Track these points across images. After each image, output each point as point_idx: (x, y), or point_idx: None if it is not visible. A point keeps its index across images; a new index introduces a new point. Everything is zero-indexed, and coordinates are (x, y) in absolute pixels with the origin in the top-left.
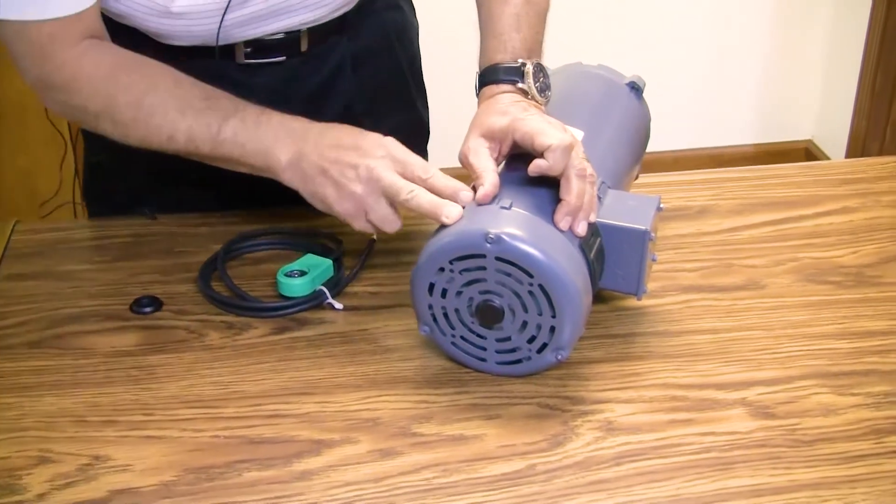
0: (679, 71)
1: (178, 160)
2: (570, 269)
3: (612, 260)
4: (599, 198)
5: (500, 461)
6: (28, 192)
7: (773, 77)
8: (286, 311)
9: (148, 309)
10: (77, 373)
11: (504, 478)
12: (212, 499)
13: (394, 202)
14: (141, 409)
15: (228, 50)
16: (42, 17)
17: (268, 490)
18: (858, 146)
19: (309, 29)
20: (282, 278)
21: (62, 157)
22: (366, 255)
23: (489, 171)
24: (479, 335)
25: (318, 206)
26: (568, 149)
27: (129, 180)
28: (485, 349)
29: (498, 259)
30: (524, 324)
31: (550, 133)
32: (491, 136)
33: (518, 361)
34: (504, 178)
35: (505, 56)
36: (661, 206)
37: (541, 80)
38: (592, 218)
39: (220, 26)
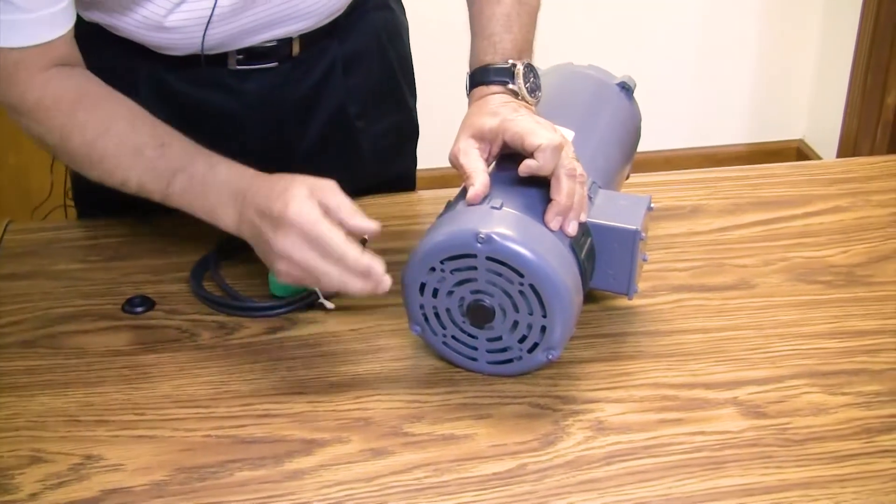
0: (670, 71)
1: None
2: (560, 269)
3: (603, 260)
4: (590, 197)
5: (491, 461)
6: (20, 191)
7: (764, 77)
8: (278, 311)
9: (140, 309)
10: (69, 372)
11: (495, 477)
12: (203, 498)
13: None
14: (133, 409)
15: (221, 57)
16: (8, 45)
17: (259, 489)
18: (849, 145)
19: (301, 35)
20: (273, 278)
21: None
22: None
23: (479, 172)
24: (470, 335)
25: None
26: (558, 149)
27: None
28: (476, 349)
29: (489, 259)
30: (515, 323)
31: (540, 133)
32: (481, 137)
33: (509, 361)
34: (495, 178)
35: (495, 57)
36: (652, 205)
37: (531, 80)
38: (583, 218)
39: (203, 38)
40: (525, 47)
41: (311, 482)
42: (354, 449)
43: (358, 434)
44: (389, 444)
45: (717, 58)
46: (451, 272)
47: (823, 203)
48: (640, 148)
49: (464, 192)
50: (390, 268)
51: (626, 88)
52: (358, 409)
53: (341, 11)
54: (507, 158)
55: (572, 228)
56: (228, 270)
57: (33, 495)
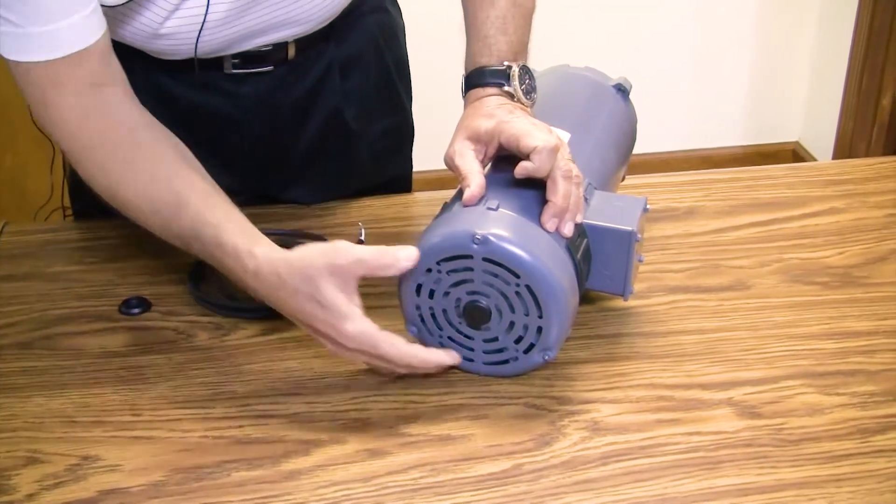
0: (666, 73)
1: None
2: (556, 270)
3: (599, 261)
4: (586, 199)
5: (488, 461)
6: (17, 193)
7: (760, 79)
8: (275, 313)
9: (136, 310)
10: (66, 374)
11: (491, 477)
12: (200, 499)
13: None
14: (130, 410)
15: (216, 61)
16: (42, 59)
17: (256, 490)
18: (845, 148)
19: (296, 39)
20: None
21: (52, 157)
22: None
23: (475, 173)
24: (466, 336)
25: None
26: (553, 150)
27: None
28: (472, 349)
29: (485, 260)
30: (511, 324)
31: (536, 135)
32: (477, 139)
33: (505, 362)
34: (491, 179)
35: (491, 59)
36: (648, 206)
37: (527, 82)
38: (579, 219)
39: (196, 44)
40: (520, 49)
41: (308, 482)
42: (351, 449)
43: (355, 435)
44: (386, 444)
45: (713, 60)
46: (448, 273)
47: (819, 204)
48: (635, 150)
49: (460, 193)
50: None
51: (622, 90)
52: (355, 409)
53: (336, 15)
54: (503, 160)
55: (568, 229)
56: None
57: (30, 496)
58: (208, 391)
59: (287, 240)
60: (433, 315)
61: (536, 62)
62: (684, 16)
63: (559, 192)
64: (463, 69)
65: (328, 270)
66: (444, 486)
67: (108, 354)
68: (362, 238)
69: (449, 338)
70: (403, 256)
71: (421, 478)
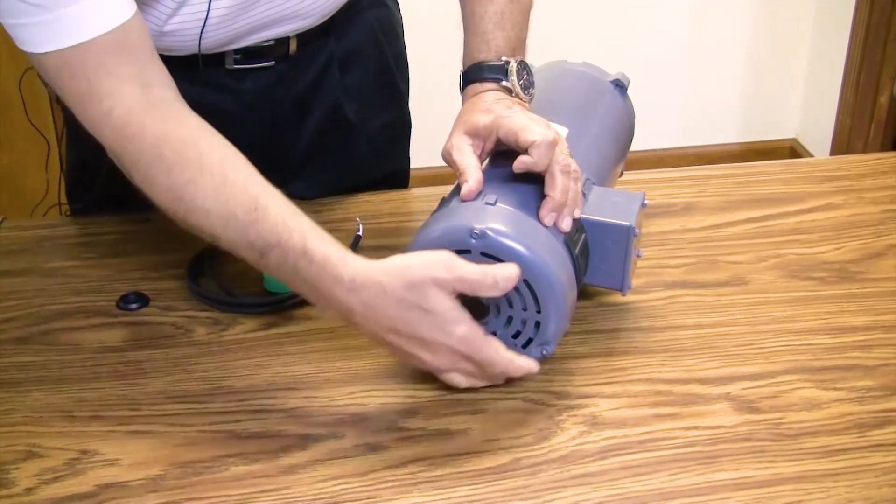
0: (664, 69)
1: None
2: (554, 265)
3: (597, 256)
4: (584, 194)
5: (486, 455)
6: (13, 190)
7: (757, 76)
8: (273, 307)
9: (134, 305)
10: (64, 368)
11: (489, 471)
12: (199, 493)
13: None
14: (128, 405)
15: (218, 57)
16: (82, 40)
17: (254, 484)
18: (843, 145)
19: (297, 34)
20: (269, 275)
21: (46, 154)
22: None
23: (473, 168)
24: None
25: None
26: (552, 145)
27: (115, 179)
28: None
29: (483, 254)
30: (509, 319)
31: (534, 129)
32: (475, 134)
33: None
34: (489, 174)
35: (489, 54)
36: (646, 202)
37: (525, 77)
38: (577, 214)
39: (199, 40)
40: (518, 45)
41: (306, 477)
42: (349, 444)
43: (353, 429)
44: (384, 439)
45: (710, 57)
46: None
47: (816, 200)
48: (632, 147)
49: (458, 188)
50: None
51: (620, 86)
52: (353, 404)
53: (337, 10)
54: (501, 155)
55: (566, 224)
56: (223, 267)
57: (29, 490)
58: (206, 386)
59: None
60: None
61: (535, 58)
62: (681, 12)
63: (557, 187)
64: (461, 64)
65: (433, 282)
66: (443, 480)
67: (107, 349)
68: (360, 233)
69: None
70: (502, 277)
71: (419, 472)
